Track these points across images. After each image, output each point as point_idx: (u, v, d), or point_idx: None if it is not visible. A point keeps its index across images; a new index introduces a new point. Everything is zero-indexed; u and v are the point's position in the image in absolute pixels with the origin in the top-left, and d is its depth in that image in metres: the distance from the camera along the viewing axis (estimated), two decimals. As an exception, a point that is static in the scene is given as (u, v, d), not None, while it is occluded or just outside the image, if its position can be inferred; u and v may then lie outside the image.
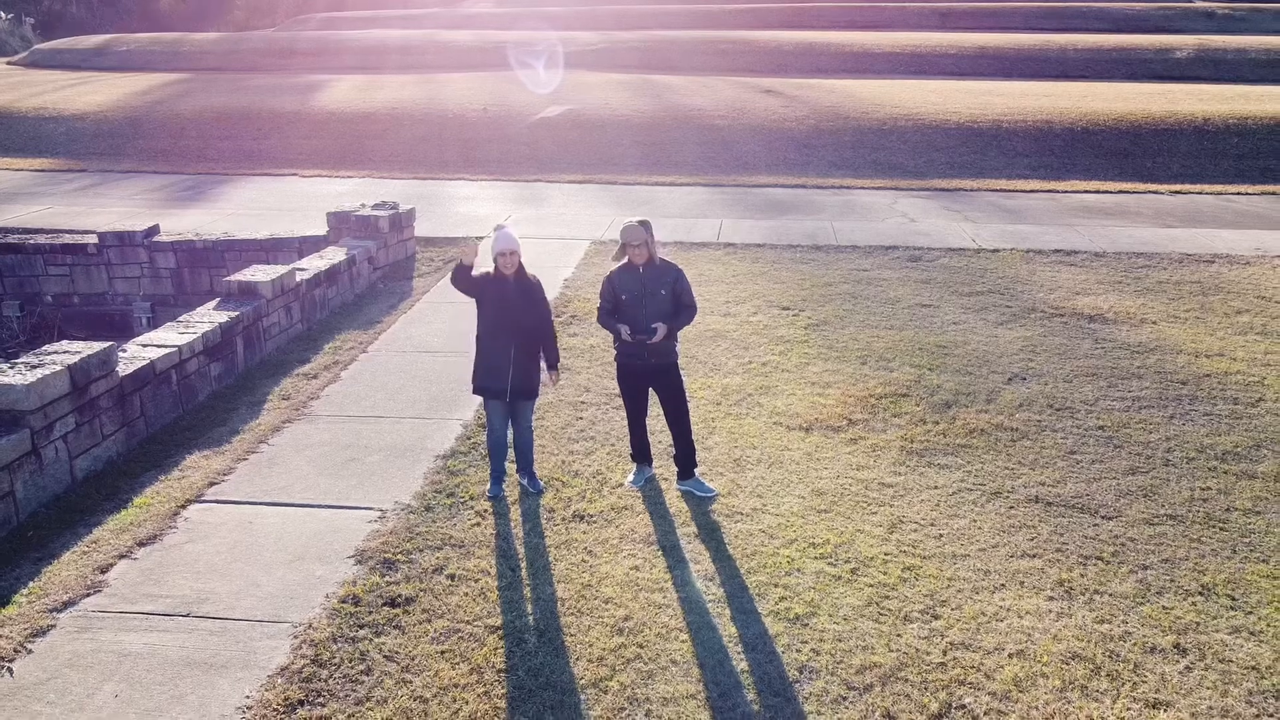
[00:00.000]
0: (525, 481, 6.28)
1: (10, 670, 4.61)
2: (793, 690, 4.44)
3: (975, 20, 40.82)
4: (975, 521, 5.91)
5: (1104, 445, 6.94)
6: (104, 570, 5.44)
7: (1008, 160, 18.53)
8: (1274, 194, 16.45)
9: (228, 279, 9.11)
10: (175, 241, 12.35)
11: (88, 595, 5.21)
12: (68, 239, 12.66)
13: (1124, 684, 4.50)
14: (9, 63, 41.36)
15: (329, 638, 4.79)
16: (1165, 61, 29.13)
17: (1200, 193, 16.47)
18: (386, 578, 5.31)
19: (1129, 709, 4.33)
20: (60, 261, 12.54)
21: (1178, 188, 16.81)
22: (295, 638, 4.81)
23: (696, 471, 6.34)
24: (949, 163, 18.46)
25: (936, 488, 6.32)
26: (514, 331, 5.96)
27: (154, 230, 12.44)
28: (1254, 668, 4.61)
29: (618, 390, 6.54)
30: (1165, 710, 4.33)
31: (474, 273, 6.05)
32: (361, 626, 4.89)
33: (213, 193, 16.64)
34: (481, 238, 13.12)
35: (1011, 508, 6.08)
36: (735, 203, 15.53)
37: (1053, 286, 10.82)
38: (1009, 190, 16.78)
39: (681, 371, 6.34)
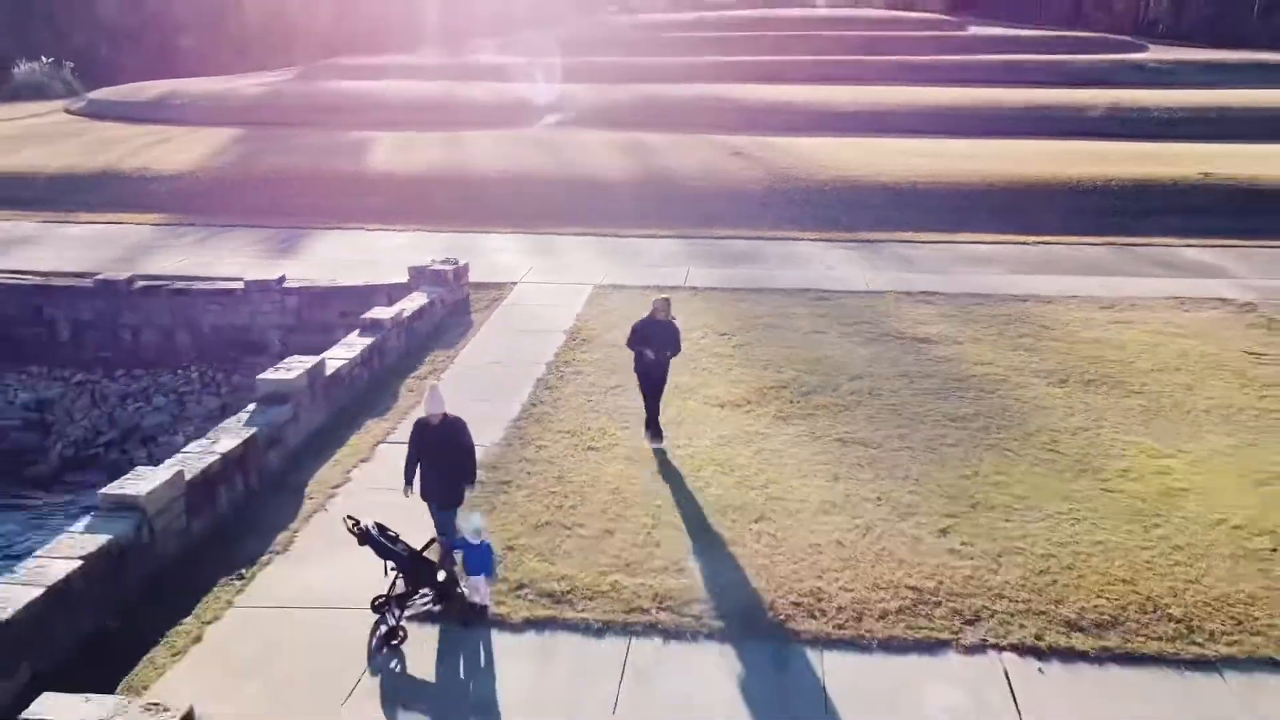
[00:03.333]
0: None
1: (352, 484, 9.96)
2: (696, 516, 9.82)
3: (939, 74, 46.11)
4: (802, 450, 11.30)
5: (890, 414, 12.34)
6: (348, 471, 10.82)
7: (920, 215, 23.99)
8: (1114, 244, 21.95)
9: (364, 315, 14.53)
10: (299, 287, 17.78)
11: (345, 483, 10.58)
12: (220, 285, 18.09)
13: (847, 514, 9.87)
14: (69, 111, 46.66)
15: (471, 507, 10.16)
16: (1080, 119, 34.73)
17: (1059, 243, 21.96)
18: (494, 474, 10.68)
19: (847, 524, 9.70)
20: (216, 301, 17.96)
21: (1044, 239, 22.30)
22: (457, 496, 10.16)
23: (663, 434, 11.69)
24: (875, 218, 23.91)
25: (787, 435, 11.72)
26: (440, 465, 8.49)
27: (284, 279, 17.87)
28: (914, 507, 9.98)
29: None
30: (867, 532, 9.69)
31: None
32: (487, 491, 10.25)
33: (301, 245, 22.09)
34: (511, 282, 18.56)
35: (825, 444, 11.47)
36: (701, 253, 21.02)
37: (907, 319, 16.26)
38: (915, 241, 22.26)
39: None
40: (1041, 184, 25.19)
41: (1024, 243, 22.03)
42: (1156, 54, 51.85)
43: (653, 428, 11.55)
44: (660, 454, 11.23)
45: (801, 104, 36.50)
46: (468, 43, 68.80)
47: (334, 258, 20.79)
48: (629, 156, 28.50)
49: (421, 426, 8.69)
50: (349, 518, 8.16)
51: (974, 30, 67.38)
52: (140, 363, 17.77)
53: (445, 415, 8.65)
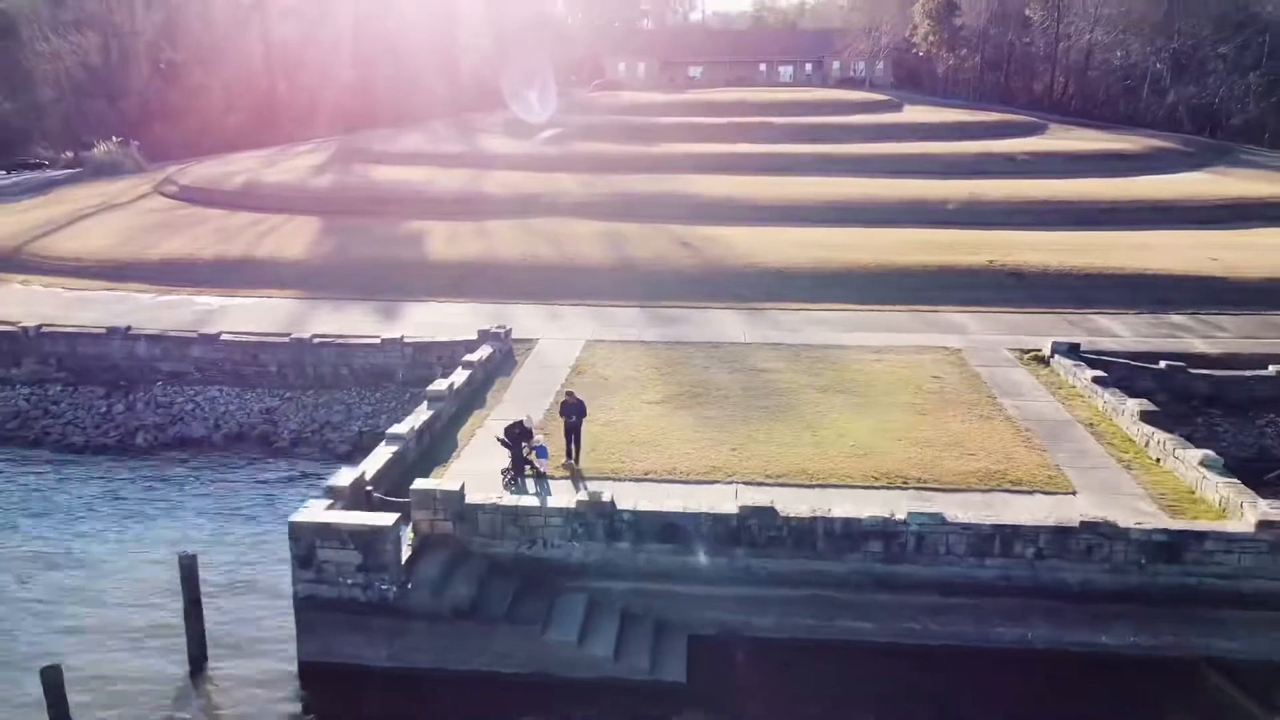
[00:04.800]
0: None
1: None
2: (631, 446, 23.52)
3: (856, 165, 60.34)
4: (684, 421, 25.00)
5: (731, 406, 26.06)
6: (473, 431, 24.50)
7: (797, 291, 37.83)
8: (913, 311, 35.84)
9: (464, 358, 28.22)
10: (412, 342, 31.50)
11: (474, 436, 24.26)
12: (365, 341, 31.77)
13: (695, 445, 23.57)
14: (162, 194, 60.45)
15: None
16: (942, 211, 49.02)
17: (877, 311, 35.85)
18: (540, 431, 24.32)
19: (693, 449, 23.40)
20: (362, 349, 31.61)
21: (870, 307, 36.18)
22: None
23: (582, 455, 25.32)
24: (769, 293, 37.74)
25: (679, 416, 25.43)
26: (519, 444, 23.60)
27: (403, 337, 31.55)
28: (725, 442, 23.68)
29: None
30: (700, 450, 23.40)
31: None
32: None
33: (396, 313, 35.81)
34: (535, 338, 32.36)
35: (696, 419, 25.18)
36: (651, 319, 34.86)
37: (760, 359, 30.00)
38: (790, 310, 36.12)
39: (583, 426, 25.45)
40: (883, 268, 39.26)
41: (855, 310, 35.96)
42: (1035, 144, 66.40)
43: (569, 456, 23.92)
44: (597, 429, 24.86)
45: (740, 198, 50.70)
46: (471, 119, 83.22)
47: (420, 321, 34.56)
48: (607, 245, 42.52)
49: (521, 429, 22.21)
50: (497, 437, 21.83)
51: (906, 110, 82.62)
52: (319, 386, 31.39)
53: (529, 423, 22.28)
